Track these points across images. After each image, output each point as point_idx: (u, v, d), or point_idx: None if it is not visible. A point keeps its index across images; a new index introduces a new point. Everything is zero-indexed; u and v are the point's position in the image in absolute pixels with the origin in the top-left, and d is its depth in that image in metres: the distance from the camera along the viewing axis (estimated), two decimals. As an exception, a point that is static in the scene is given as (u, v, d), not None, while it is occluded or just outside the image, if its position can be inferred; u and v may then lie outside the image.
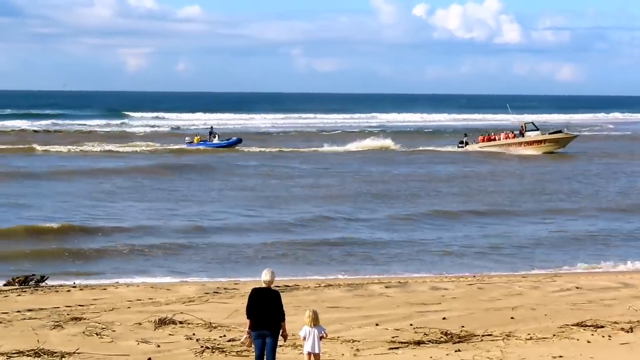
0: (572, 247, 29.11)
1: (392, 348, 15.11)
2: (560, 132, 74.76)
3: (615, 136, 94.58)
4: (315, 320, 12.86)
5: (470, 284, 21.74)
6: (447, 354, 14.54)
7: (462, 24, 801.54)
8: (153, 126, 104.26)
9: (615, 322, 16.63)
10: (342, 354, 14.70)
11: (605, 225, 33.41)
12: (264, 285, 12.70)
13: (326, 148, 71.77)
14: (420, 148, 71.85)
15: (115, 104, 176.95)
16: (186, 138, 76.10)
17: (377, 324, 17.02)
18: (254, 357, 12.90)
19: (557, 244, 29.58)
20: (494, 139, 73.57)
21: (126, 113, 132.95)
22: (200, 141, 74.02)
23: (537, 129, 74.14)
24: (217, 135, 75.46)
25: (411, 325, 16.87)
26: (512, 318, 17.43)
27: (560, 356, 14.22)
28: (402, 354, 14.70)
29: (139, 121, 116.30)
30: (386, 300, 19.71)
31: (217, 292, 20.52)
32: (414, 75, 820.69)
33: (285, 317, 12.69)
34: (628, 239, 30.89)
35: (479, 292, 20.60)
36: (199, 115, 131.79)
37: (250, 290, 12.87)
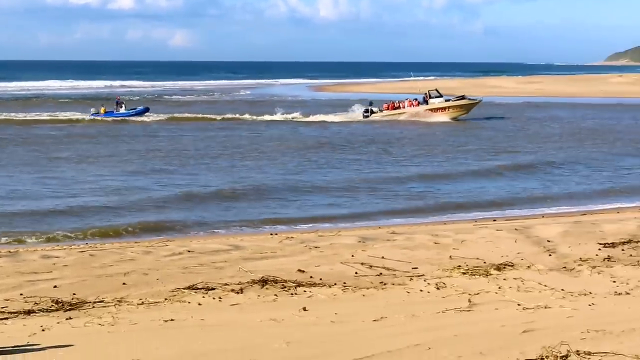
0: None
1: (1, 319, 14.99)
2: (463, 98, 78.06)
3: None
4: None
5: (82, 252, 21.82)
6: (58, 322, 14.63)
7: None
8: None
9: (226, 284, 17.35)
10: (-55, 328, 14.39)
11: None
12: None
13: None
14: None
15: None
16: (91, 109, 74.60)
17: (-16, 295, 16.78)
18: None
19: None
20: (399, 107, 75.89)
21: None
22: (107, 112, 73.60)
23: (441, 96, 76.84)
24: (122, 105, 74.84)
25: (21, 294, 16.72)
26: (124, 284, 17.74)
27: (172, 319, 14.71)
28: (12, 325, 14.58)
29: None
30: (-6, 270, 19.40)
31: None
32: (26, 42, 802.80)
33: None
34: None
35: (91, 259, 20.72)
36: None
37: None
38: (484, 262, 19.38)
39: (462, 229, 24.91)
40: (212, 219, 29.05)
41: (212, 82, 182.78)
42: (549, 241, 22.23)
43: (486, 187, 37.54)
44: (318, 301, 16.13)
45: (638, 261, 19.38)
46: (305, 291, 16.88)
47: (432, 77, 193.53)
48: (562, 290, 16.55)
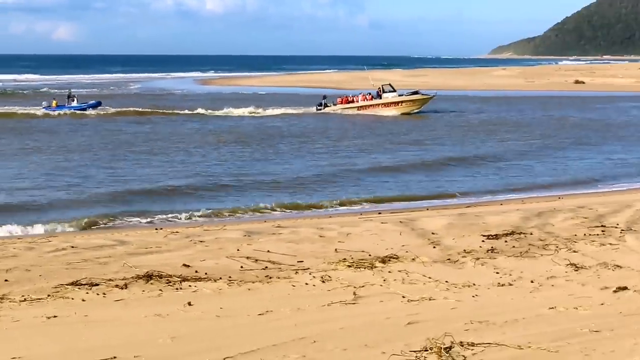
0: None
1: None
2: (417, 93, 79.15)
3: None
4: None
5: (-37, 247, 21.40)
6: None
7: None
8: None
9: (110, 280, 17.18)
10: None
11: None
12: None
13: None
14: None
15: None
16: (43, 102, 74.44)
17: None
18: None
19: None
20: (352, 101, 77.00)
21: None
22: (58, 105, 73.57)
23: (394, 91, 77.75)
24: (75, 98, 74.89)
25: None
26: (5, 280, 17.39)
27: (55, 316, 14.51)
28: None
29: None
30: None
31: None
32: None
33: None
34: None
35: (-27, 256, 20.33)
36: None
37: None
38: (369, 255, 19.57)
39: (348, 222, 25.12)
40: (98, 213, 28.71)
41: (101, 75, 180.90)
42: (433, 233, 22.57)
43: (373, 180, 37.94)
44: (203, 296, 16.11)
45: (520, 252, 19.82)
46: (190, 286, 16.83)
47: (331, 71, 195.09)
48: (446, 282, 16.84)
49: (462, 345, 12.26)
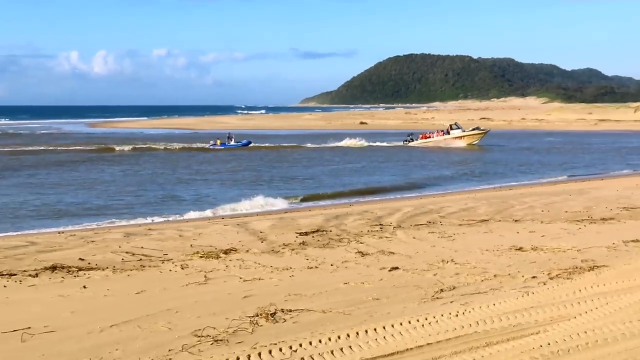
0: None
1: None
2: (477, 129, 78.29)
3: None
4: None
5: None
6: None
7: None
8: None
9: (25, 271, 16.63)
10: None
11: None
12: None
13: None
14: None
15: None
16: (210, 141, 76.71)
17: None
18: None
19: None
20: (430, 137, 76.11)
21: None
22: (222, 143, 74.76)
23: (460, 128, 76.81)
24: (232, 138, 76.53)
25: None
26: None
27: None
28: None
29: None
30: None
31: None
32: None
33: None
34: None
35: None
36: None
37: None
38: (215, 249, 19.61)
39: (200, 225, 25.04)
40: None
41: (23, 121, 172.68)
42: (261, 232, 22.76)
43: (212, 192, 37.86)
44: (94, 281, 15.86)
45: (323, 244, 20.20)
46: (85, 274, 16.52)
47: (199, 117, 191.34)
48: (271, 266, 17.07)
49: (283, 311, 12.55)
